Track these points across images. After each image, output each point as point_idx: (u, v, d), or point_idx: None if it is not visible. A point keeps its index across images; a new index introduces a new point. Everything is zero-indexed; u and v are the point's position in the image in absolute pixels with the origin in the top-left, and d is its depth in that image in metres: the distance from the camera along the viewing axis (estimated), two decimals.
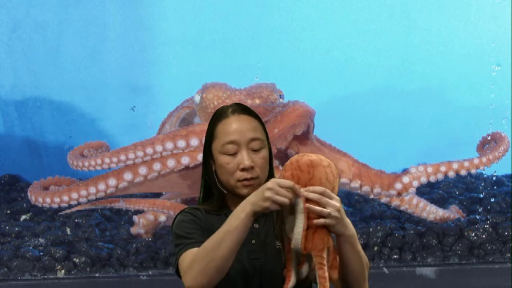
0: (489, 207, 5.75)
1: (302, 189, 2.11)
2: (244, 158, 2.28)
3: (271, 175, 2.36)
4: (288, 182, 2.10)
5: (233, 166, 2.29)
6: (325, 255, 2.11)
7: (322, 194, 2.10)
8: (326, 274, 2.10)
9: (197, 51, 7.75)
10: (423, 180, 5.05)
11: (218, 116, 2.36)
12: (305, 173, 2.13)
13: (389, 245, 5.24)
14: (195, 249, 2.20)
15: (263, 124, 2.37)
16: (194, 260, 2.16)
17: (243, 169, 2.28)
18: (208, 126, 2.37)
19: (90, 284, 5.02)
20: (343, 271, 2.22)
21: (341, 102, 7.94)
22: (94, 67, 7.61)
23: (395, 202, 5.28)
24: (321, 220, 2.10)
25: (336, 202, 2.12)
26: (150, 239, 5.30)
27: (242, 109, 2.36)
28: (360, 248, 2.22)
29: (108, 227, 5.68)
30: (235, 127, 2.31)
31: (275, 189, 2.09)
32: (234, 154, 2.30)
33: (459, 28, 7.85)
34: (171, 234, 2.36)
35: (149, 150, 4.82)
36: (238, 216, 2.13)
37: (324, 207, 2.10)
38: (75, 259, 5.12)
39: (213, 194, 2.39)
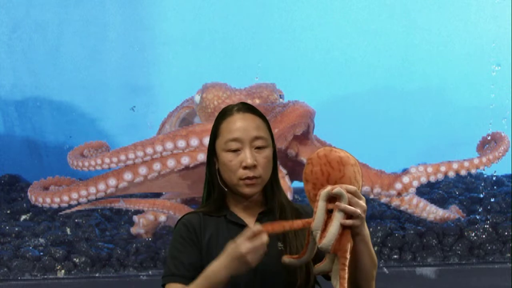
0: (489, 207, 5.75)
1: (340, 186, 2.09)
2: (247, 156, 2.28)
3: (274, 175, 2.36)
4: (257, 232, 2.12)
5: (236, 164, 2.29)
6: (348, 256, 2.11)
7: (353, 194, 2.10)
8: (347, 276, 2.10)
9: (197, 51, 7.75)
10: (423, 180, 5.05)
11: (223, 114, 2.36)
12: (336, 170, 2.11)
13: (389, 245, 5.24)
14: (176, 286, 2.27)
15: (269, 124, 2.37)
16: None
17: (245, 167, 2.28)
18: (213, 124, 2.37)
19: (90, 284, 5.02)
20: (354, 269, 2.22)
21: (341, 102, 7.94)
22: (94, 67, 7.61)
23: (395, 202, 5.28)
24: (350, 221, 2.09)
25: (363, 203, 2.12)
26: (150, 239, 5.30)
27: (247, 108, 2.36)
28: (372, 247, 2.22)
29: (108, 227, 5.68)
30: (239, 125, 2.31)
31: (252, 251, 2.12)
32: (237, 152, 2.30)
33: (459, 28, 7.86)
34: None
35: (149, 150, 4.82)
36: (213, 282, 2.17)
37: (354, 207, 2.10)
38: (75, 259, 5.12)
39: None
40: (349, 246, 2.11)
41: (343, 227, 2.09)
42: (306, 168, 2.15)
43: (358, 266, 2.21)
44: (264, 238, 2.11)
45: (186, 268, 2.27)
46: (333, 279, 2.14)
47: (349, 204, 2.09)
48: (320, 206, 2.10)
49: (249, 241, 2.11)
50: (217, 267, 2.16)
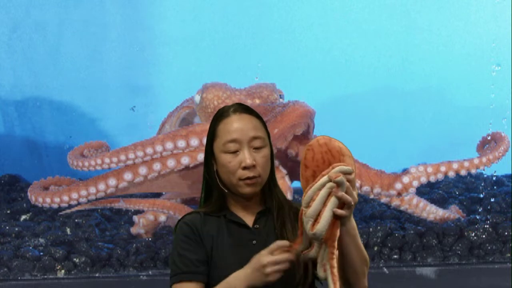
0: (489, 207, 5.75)
1: (335, 172, 2.08)
2: (246, 156, 2.29)
3: (272, 175, 2.36)
4: (284, 256, 2.13)
5: (235, 165, 2.30)
6: (336, 245, 2.12)
7: (351, 183, 2.11)
8: (336, 264, 2.11)
9: (197, 51, 7.75)
10: (423, 180, 5.04)
11: (220, 115, 2.37)
12: (336, 159, 2.13)
13: (389, 245, 5.24)
14: (185, 286, 2.25)
15: (265, 123, 2.38)
16: None
17: (244, 168, 2.29)
18: (210, 126, 2.38)
19: (90, 284, 5.02)
20: (343, 264, 2.22)
21: (341, 102, 7.94)
22: (94, 67, 7.61)
23: (395, 202, 5.28)
24: (342, 211, 2.10)
25: (356, 195, 2.13)
26: (150, 239, 5.30)
27: (243, 108, 2.37)
28: (360, 241, 2.22)
29: (108, 227, 5.68)
30: (237, 126, 2.32)
31: (272, 264, 2.12)
32: (235, 153, 2.30)
33: (459, 28, 7.86)
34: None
35: (149, 150, 4.81)
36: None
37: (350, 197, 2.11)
38: (75, 259, 5.12)
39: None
40: (337, 236, 2.11)
41: (334, 216, 2.09)
42: (307, 154, 2.15)
43: (346, 260, 2.21)
44: (288, 255, 2.13)
45: (194, 264, 2.28)
46: (319, 269, 2.14)
47: (346, 193, 2.09)
48: (322, 195, 2.09)
49: (272, 254, 2.14)
50: (239, 274, 2.18)
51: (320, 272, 2.14)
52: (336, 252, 2.11)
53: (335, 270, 2.10)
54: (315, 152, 2.14)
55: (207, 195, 2.40)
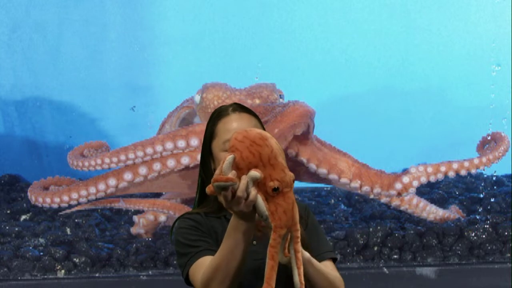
0: (489, 207, 5.75)
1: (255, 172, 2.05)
2: None
3: None
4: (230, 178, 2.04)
5: None
6: (299, 228, 2.08)
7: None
8: (300, 248, 2.08)
9: (197, 51, 7.75)
10: (423, 180, 5.04)
11: (218, 115, 2.37)
12: (263, 147, 2.05)
13: (389, 245, 5.24)
14: (205, 259, 2.21)
15: (262, 123, 2.40)
16: (209, 278, 2.15)
17: None
18: (208, 125, 2.38)
19: (90, 284, 5.02)
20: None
21: (341, 102, 7.95)
22: (94, 67, 7.61)
23: (395, 202, 5.28)
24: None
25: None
26: (150, 239, 5.30)
27: (242, 107, 2.38)
28: (321, 266, 2.24)
29: (108, 227, 5.68)
30: (237, 124, 2.33)
31: (238, 196, 2.05)
32: None
33: (459, 28, 7.86)
34: (170, 240, 2.37)
35: (149, 150, 4.81)
36: (235, 236, 2.12)
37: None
38: (75, 259, 5.11)
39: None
40: (298, 219, 2.06)
41: (288, 200, 2.07)
42: (236, 157, 2.06)
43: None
44: (232, 178, 2.04)
45: (208, 242, 2.27)
46: (281, 256, 2.09)
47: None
48: (260, 198, 2.07)
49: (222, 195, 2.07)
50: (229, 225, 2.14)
51: (281, 257, 2.09)
52: (299, 236, 2.07)
53: (299, 255, 2.06)
54: (241, 150, 2.05)
55: (202, 195, 2.41)
